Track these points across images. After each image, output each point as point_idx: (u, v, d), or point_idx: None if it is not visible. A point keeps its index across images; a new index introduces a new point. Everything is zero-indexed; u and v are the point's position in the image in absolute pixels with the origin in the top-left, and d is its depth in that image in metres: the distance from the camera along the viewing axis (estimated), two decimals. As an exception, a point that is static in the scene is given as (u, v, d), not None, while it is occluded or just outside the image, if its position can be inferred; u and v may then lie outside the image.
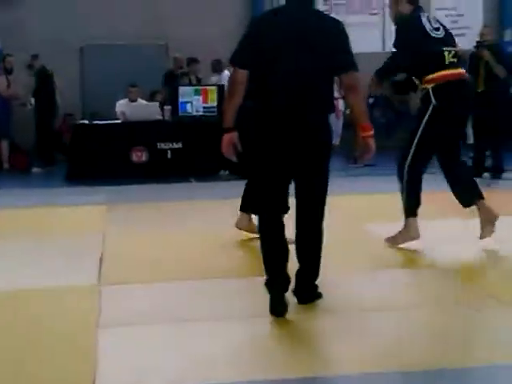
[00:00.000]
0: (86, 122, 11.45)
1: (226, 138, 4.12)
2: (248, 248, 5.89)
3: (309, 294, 4.27)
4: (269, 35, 4.09)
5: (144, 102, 11.84)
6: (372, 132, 4.18)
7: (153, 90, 12.47)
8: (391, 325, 4.02)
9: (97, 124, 11.09)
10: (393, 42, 5.51)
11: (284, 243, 4.15)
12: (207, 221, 7.00)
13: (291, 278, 4.17)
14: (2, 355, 3.68)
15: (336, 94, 13.83)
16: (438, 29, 5.51)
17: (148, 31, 14.41)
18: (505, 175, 9.48)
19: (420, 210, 5.61)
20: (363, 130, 4.17)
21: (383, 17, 15.92)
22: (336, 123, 14.36)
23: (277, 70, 4.05)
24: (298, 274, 4.24)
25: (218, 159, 10.53)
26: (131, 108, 11.32)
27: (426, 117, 5.40)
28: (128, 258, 5.60)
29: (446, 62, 5.41)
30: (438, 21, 5.61)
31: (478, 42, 9.64)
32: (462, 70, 5.56)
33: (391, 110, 15.49)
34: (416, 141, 5.45)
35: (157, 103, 11.50)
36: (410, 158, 5.48)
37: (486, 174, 9.55)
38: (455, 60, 5.47)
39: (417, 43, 5.39)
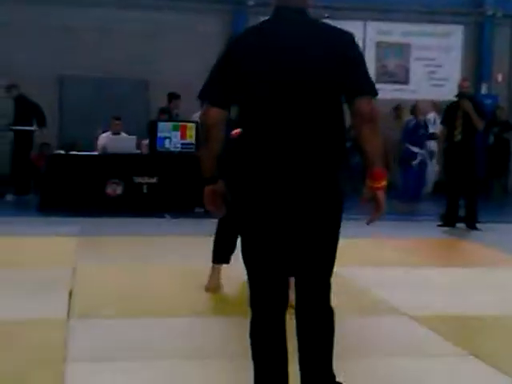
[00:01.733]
0: (62, 152, 11.38)
1: (208, 190, 3.17)
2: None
3: None
4: (250, 59, 3.04)
5: (126, 135, 11.80)
6: (385, 182, 3.07)
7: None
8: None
9: (73, 154, 11.03)
10: None
11: (285, 354, 3.11)
12: (180, 256, 6.95)
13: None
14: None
15: None
16: None
17: (129, 65, 14.45)
18: (479, 226, 9.54)
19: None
20: (375, 179, 3.04)
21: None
22: None
23: (263, 107, 3.02)
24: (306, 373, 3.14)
25: (193, 196, 10.73)
26: (112, 141, 11.27)
27: None
28: (99, 292, 5.53)
29: None
30: None
31: (459, 93, 9.78)
32: None
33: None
34: None
35: (134, 137, 11.47)
36: None
37: (460, 225, 9.61)
38: None
39: None
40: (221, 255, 5.72)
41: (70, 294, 5.39)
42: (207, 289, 5.68)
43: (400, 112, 14.16)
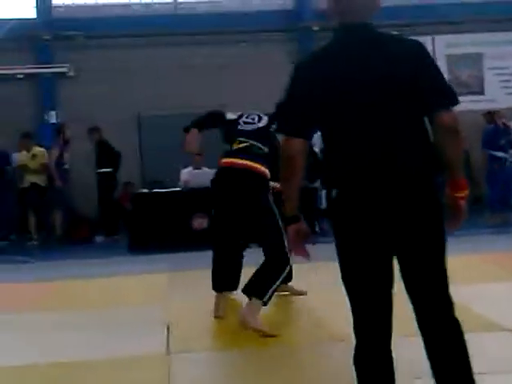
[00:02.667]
0: (146, 190, 11.63)
1: (292, 230, 3.02)
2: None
3: None
4: (323, 84, 2.92)
5: (207, 169, 11.96)
6: (467, 192, 3.02)
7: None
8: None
9: (157, 192, 11.25)
10: None
11: (392, 381, 2.98)
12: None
13: None
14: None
15: None
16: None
17: (205, 99, 14.71)
18: None
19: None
20: (457, 188, 2.97)
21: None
22: None
23: (346, 131, 2.91)
24: None
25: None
26: (194, 176, 11.38)
27: None
28: (194, 326, 5.62)
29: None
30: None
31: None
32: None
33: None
34: None
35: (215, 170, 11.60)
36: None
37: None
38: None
39: None
40: (219, 283, 5.59)
41: (168, 329, 5.49)
42: (215, 316, 5.62)
43: (493, 116, 13.47)
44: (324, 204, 14.13)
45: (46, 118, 14.96)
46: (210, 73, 15.21)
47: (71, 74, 15.06)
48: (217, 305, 5.63)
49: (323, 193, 13.65)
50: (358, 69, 2.90)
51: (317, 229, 11.44)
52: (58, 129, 13.23)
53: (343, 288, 3.00)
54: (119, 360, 4.83)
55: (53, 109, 15.00)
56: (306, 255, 3.09)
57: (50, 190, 12.78)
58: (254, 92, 15.09)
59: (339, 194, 2.92)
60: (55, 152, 12.86)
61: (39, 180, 12.68)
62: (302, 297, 6.31)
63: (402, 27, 15.56)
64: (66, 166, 12.93)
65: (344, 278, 2.99)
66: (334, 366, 4.42)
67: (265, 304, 5.05)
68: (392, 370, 2.97)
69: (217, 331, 5.45)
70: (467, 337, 2.93)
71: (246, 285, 5.14)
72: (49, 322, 6.03)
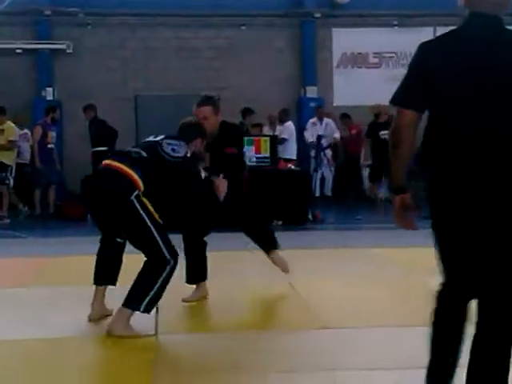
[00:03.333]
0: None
1: (398, 201, 3.14)
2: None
3: None
4: (450, 65, 3.02)
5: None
6: None
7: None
8: None
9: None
10: None
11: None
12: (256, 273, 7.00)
13: None
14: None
15: (326, 139, 14.09)
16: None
17: (203, 82, 14.68)
18: None
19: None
20: None
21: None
22: (329, 175, 14.47)
23: (462, 112, 2.99)
24: None
25: (271, 209, 10.80)
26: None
27: None
28: (183, 308, 5.64)
29: None
30: None
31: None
32: None
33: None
34: None
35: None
36: None
37: None
38: None
39: None
40: (97, 276, 5.30)
41: (157, 310, 5.50)
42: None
43: None
44: (318, 192, 14.19)
45: (42, 94, 14.91)
46: (209, 55, 15.18)
47: (70, 50, 15.01)
48: (94, 297, 5.33)
49: (316, 179, 13.69)
50: (486, 56, 2.99)
51: (309, 216, 11.44)
52: (48, 108, 13.06)
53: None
54: (108, 339, 4.83)
55: (50, 85, 14.96)
56: (411, 226, 3.15)
57: (33, 168, 12.74)
58: (252, 76, 15.09)
59: (443, 172, 3.02)
60: (38, 131, 12.71)
61: (3, 156, 12.26)
62: (291, 283, 6.32)
63: (403, 17, 15.56)
64: (50, 146, 12.76)
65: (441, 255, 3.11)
66: (316, 353, 4.44)
67: (148, 311, 4.86)
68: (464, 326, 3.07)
69: (205, 314, 5.46)
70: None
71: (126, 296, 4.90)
72: (37, 298, 6.04)
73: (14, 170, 12.40)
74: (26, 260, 7.99)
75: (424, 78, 3.04)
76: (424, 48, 3.12)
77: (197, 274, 5.88)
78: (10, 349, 4.67)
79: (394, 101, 3.14)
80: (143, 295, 4.81)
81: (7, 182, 12.26)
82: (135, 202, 4.82)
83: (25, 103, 14.45)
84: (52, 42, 15.06)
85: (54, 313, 5.51)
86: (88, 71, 14.73)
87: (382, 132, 12.40)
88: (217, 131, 5.81)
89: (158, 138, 5.27)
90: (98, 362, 4.52)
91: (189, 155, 5.21)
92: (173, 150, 5.12)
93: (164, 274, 4.84)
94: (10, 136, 12.29)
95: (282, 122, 13.92)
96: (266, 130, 13.64)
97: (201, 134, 5.52)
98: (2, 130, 12.31)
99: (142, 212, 4.84)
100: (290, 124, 13.99)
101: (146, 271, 4.88)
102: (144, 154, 5.08)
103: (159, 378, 4.04)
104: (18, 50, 14.92)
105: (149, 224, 4.84)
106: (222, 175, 5.56)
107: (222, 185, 5.52)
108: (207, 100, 5.87)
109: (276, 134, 13.20)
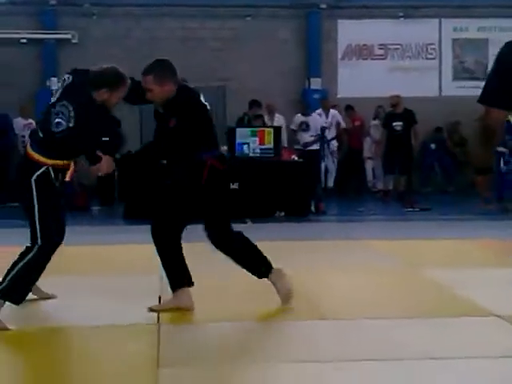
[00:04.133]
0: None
1: (483, 178, 3.51)
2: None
3: None
4: None
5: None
6: None
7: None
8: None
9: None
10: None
11: None
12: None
13: None
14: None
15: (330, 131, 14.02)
16: None
17: (208, 72, 14.69)
18: None
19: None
20: None
21: (439, 61, 15.96)
22: (332, 167, 14.48)
23: None
24: None
25: (273, 200, 10.84)
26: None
27: None
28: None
29: None
30: None
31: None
32: None
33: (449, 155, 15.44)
34: None
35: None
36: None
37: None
38: None
39: None
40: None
41: (160, 299, 5.54)
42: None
43: None
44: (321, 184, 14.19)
45: (47, 83, 14.93)
46: (215, 46, 15.18)
47: (75, 40, 15.03)
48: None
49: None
50: None
51: (312, 208, 11.46)
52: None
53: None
54: (109, 327, 4.87)
55: (54, 75, 14.96)
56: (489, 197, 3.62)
57: None
58: (257, 67, 15.09)
59: None
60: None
61: None
62: (293, 274, 6.34)
63: (409, 9, 15.53)
64: None
65: None
66: (315, 344, 4.47)
67: (16, 302, 4.72)
68: None
69: (209, 303, 5.48)
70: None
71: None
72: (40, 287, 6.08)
73: None
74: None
75: (508, 76, 3.30)
76: (507, 47, 3.43)
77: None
78: (17, 338, 4.71)
79: (480, 100, 3.39)
80: (16, 287, 4.66)
81: None
82: (33, 183, 4.65)
83: (30, 93, 14.47)
84: (57, 32, 15.07)
85: (53, 302, 5.56)
86: (93, 61, 14.70)
87: (396, 123, 12.42)
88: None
89: (53, 100, 4.79)
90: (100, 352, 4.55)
91: (72, 124, 4.60)
92: (57, 123, 4.62)
93: (29, 256, 4.68)
94: None
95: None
96: (266, 119, 13.63)
97: (106, 85, 4.89)
98: None
99: (34, 192, 4.66)
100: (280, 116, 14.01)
101: (20, 260, 4.70)
102: (40, 134, 4.78)
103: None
104: (23, 40, 14.93)
105: (35, 203, 4.68)
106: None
107: (105, 162, 4.80)
108: (150, 68, 5.23)
109: (275, 124, 13.20)
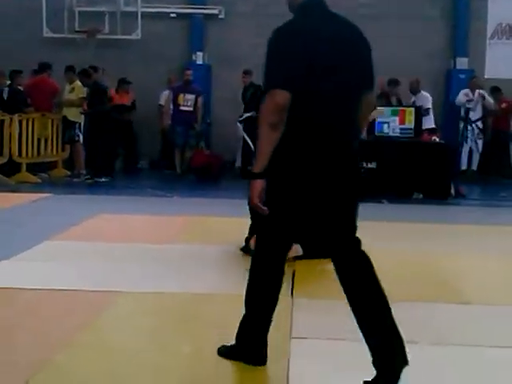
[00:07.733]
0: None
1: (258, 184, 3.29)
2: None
3: None
4: (319, 46, 3.33)
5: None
6: None
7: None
8: None
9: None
10: None
11: None
12: (409, 243, 6.96)
13: None
14: (184, 361, 3.85)
15: None
16: None
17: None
18: None
19: None
20: None
21: None
22: (476, 149, 13.85)
23: (324, 93, 3.28)
24: None
25: (412, 181, 10.69)
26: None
27: None
28: (319, 275, 5.73)
29: None
30: None
31: None
32: None
33: None
34: None
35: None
36: None
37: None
38: None
39: None
40: None
41: (293, 274, 5.62)
42: None
43: None
44: (465, 166, 13.82)
45: (193, 57, 15.32)
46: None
47: (221, 16, 15.32)
48: None
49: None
50: (343, 40, 3.49)
51: (452, 191, 11.22)
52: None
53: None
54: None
55: (200, 50, 15.35)
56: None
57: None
58: (400, 45, 14.82)
59: None
60: (166, 94, 13.70)
61: (68, 112, 12.93)
62: (432, 258, 6.26)
63: None
64: (184, 108, 13.22)
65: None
66: (451, 327, 4.42)
67: None
68: None
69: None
70: None
71: None
72: (176, 253, 6.36)
73: (82, 127, 13.07)
74: (172, 218, 8.37)
75: (300, 59, 3.31)
76: (297, 27, 3.64)
77: None
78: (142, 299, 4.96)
79: (272, 82, 3.29)
80: None
81: (77, 138, 12.99)
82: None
83: (177, 66, 14.90)
84: (205, 7, 15.42)
85: (201, 269, 5.77)
86: (238, 37, 14.98)
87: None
88: None
89: None
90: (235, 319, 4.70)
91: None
92: None
93: None
94: (80, 93, 12.98)
95: (415, 92, 13.35)
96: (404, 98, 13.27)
97: None
98: (73, 88, 13.07)
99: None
100: (426, 94, 13.40)
101: None
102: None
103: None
104: (172, 15, 15.39)
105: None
106: None
107: None
108: None
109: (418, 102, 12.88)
